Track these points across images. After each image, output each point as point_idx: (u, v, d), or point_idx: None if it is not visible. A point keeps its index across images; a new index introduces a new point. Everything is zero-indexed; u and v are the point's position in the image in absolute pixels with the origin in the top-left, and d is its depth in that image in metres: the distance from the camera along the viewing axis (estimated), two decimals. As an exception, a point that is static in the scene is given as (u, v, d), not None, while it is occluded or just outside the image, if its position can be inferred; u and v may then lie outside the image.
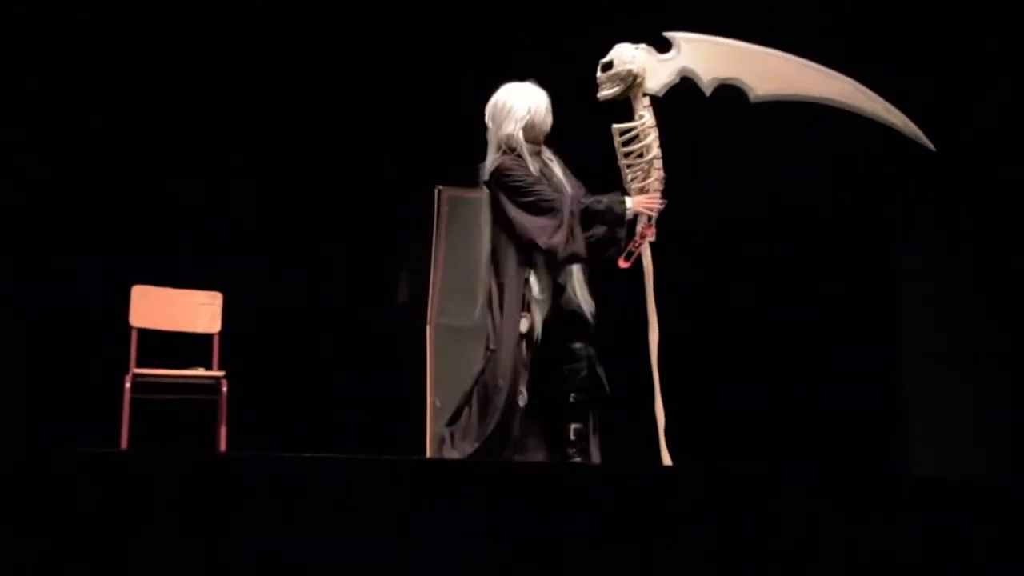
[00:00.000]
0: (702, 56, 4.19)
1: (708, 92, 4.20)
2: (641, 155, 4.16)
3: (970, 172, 5.71)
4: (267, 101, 5.70)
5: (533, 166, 4.18)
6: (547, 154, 4.28)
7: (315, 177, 5.77)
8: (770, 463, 5.55)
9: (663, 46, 4.23)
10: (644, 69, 4.16)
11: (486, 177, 4.19)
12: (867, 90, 4.26)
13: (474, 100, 4.41)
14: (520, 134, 4.16)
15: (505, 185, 4.13)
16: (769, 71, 4.21)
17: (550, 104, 4.23)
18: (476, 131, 4.30)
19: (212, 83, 5.64)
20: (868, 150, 4.76)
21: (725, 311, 6.03)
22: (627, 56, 4.16)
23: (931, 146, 4.32)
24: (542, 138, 4.25)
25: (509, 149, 4.17)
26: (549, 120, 4.23)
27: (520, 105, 4.19)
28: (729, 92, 4.24)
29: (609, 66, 4.18)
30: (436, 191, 5.55)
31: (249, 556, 2.60)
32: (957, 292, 5.77)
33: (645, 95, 4.18)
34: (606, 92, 4.20)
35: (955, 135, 5.64)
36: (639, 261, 4.18)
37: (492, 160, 4.18)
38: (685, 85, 4.21)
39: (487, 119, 4.24)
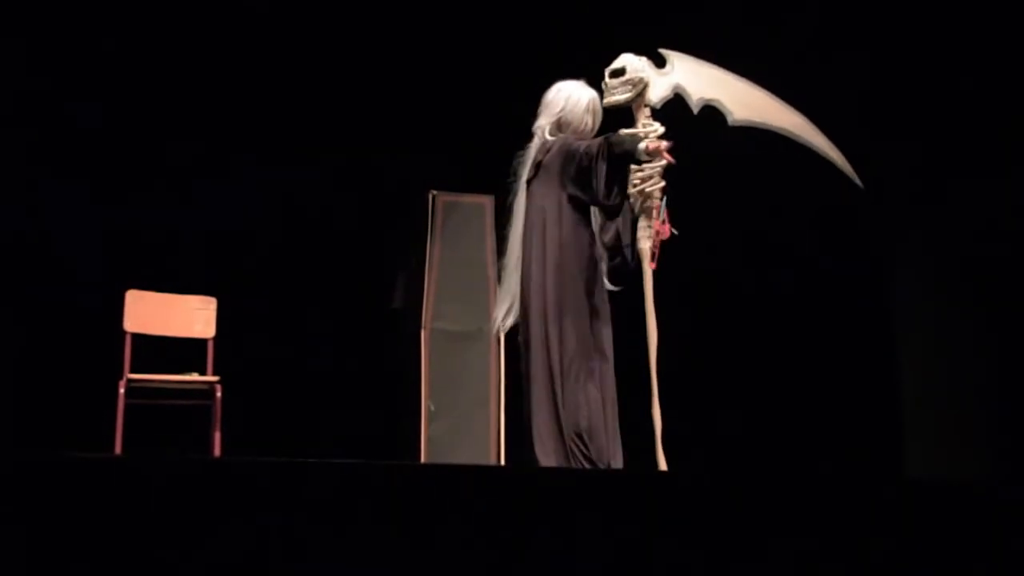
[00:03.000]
0: (692, 75, 4.33)
1: (696, 110, 4.32)
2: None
3: (967, 175, 5.72)
4: (262, 105, 5.70)
5: None
6: None
7: (309, 181, 5.76)
8: (767, 468, 5.56)
9: (658, 61, 4.34)
10: (649, 79, 4.27)
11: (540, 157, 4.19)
12: (814, 126, 4.47)
13: (469, 105, 4.42)
14: (551, 127, 4.23)
15: (564, 155, 4.14)
16: (743, 98, 4.37)
17: (594, 104, 4.27)
18: (471, 136, 4.30)
19: (208, 86, 5.63)
20: (861, 157, 4.79)
21: (723, 314, 6.03)
22: (637, 64, 4.27)
23: (860, 184, 4.52)
24: (583, 134, 4.26)
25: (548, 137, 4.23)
26: (588, 119, 4.26)
27: (557, 100, 4.27)
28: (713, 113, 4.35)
29: (620, 72, 4.25)
30: (431, 196, 5.56)
31: (244, 561, 2.59)
32: (954, 295, 5.78)
33: (646, 105, 4.26)
34: (617, 97, 4.25)
35: (951, 136, 5.68)
36: (638, 265, 4.22)
37: (536, 145, 4.23)
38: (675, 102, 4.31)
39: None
